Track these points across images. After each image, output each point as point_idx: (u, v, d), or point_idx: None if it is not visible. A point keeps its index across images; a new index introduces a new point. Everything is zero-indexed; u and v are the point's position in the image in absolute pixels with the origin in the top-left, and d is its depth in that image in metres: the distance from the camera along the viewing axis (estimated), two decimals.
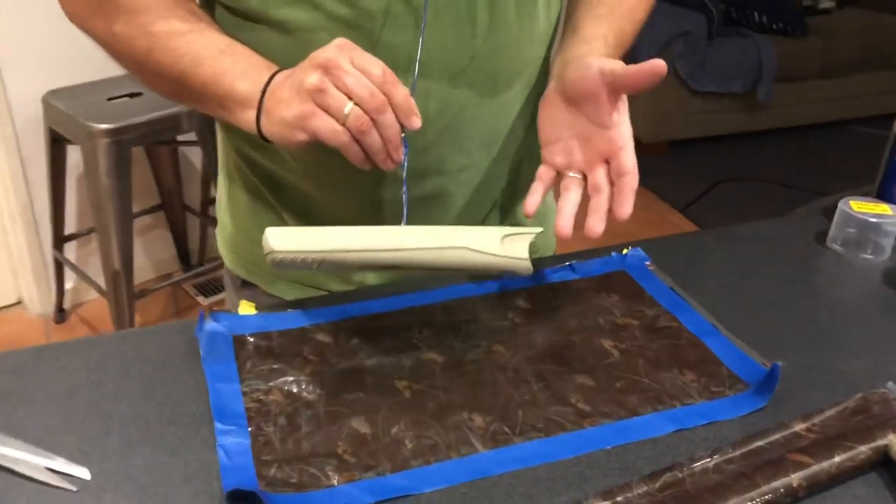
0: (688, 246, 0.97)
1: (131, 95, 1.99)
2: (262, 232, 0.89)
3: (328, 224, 0.72)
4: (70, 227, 2.23)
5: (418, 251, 0.69)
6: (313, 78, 0.64)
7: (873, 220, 0.92)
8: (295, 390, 0.70)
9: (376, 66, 0.64)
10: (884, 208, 0.94)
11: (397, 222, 0.77)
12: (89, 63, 2.03)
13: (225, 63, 0.71)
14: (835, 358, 0.77)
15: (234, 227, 0.94)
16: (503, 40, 0.78)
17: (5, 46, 1.94)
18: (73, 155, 2.08)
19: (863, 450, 0.64)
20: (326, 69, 0.64)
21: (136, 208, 2.27)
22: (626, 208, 0.73)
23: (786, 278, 0.90)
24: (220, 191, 0.96)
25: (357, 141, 0.65)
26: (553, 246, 1.03)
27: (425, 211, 0.84)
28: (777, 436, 0.67)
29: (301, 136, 0.66)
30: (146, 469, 0.62)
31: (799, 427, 0.68)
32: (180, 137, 2.14)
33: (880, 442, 0.65)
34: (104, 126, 1.83)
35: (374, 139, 0.65)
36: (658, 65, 0.69)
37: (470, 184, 0.85)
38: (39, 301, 2.27)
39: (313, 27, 0.73)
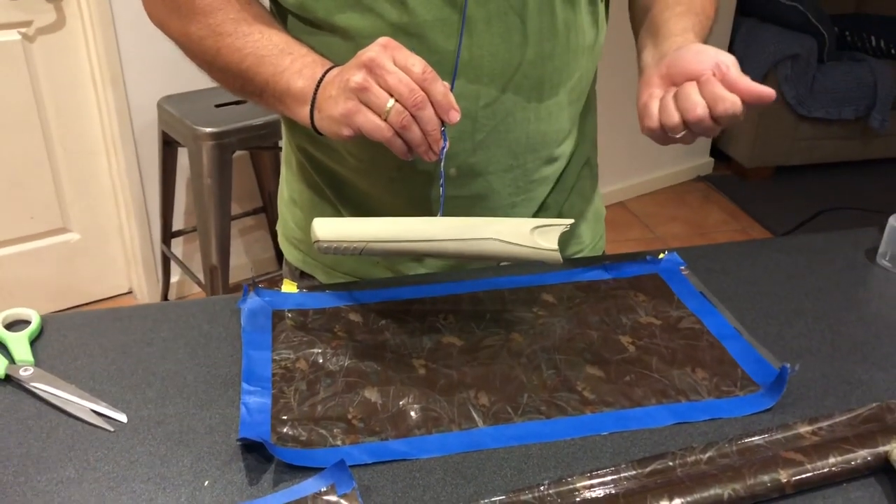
0: (730, 254, 0.97)
1: (237, 103, 2.13)
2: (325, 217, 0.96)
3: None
4: (178, 224, 2.39)
5: (451, 242, 0.73)
6: (357, 77, 0.69)
7: None
8: (319, 360, 0.75)
9: (417, 64, 0.69)
10: None
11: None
12: (202, 71, 2.19)
13: (284, 61, 0.78)
14: (857, 368, 0.76)
15: (293, 222, 1.01)
16: (550, 49, 0.83)
17: (128, 55, 2.12)
18: (184, 157, 2.24)
19: (861, 454, 0.64)
20: (370, 68, 0.69)
21: (238, 210, 2.42)
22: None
23: (824, 289, 0.89)
24: (283, 187, 1.03)
25: (399, 135, 0.70)
26: (602, 245, 1.05)
27: (472, 210, 0.89)
28: (778, 436, 0.67)
29: (347, 132, 0.71)
30: (176, 418, 0.68)
31: (803, 429, 0.68)
32: (281, 143, 2.27)
33: (882, 448, 0.64)
34: (209, 129, 1.97)
35: (414, 133, 0.69)
36: (768, 93, 0.71)
37: (516, 184, 0.89)
38: (148, 292, 2.45)
39: (372, 33, 0.79)
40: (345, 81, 0.70)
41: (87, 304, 2.45)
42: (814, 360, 0.77)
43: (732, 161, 3.46)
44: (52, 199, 2.28)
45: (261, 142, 2.11)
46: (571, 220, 0.78)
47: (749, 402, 0.71)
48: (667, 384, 0.73)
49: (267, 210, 2.55)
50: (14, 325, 0.79)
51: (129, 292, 2.52)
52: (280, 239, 1.05)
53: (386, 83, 0.68)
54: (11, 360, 0.73)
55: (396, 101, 0.68)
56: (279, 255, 2.64)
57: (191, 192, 2.37)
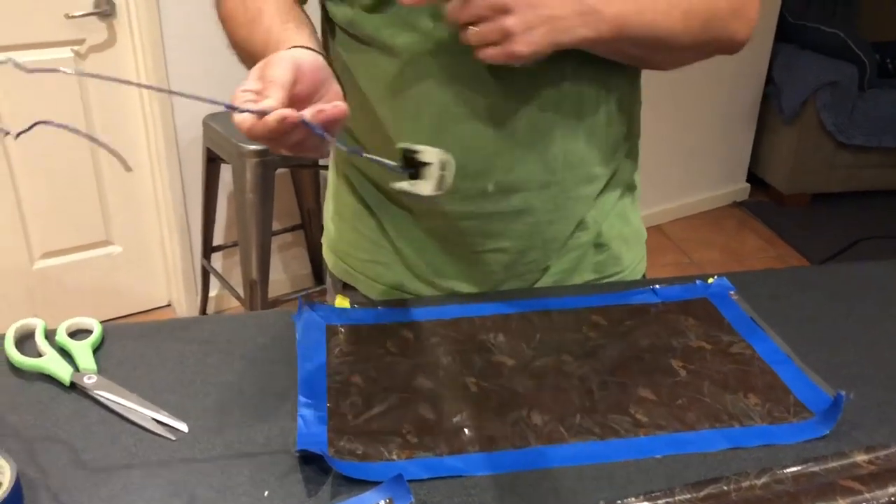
0: (781, 279, 0.97)
1: None
2: (363, 239, 0.98)
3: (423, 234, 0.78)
4: (218, 239, 2.43)
5: None
6: None
7: None
8: (373, 375, 0.76)
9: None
10: None
11: (482, 235, 0.87)
12: None
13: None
14: None
15: (337, 234, 1.02)
16: (589, 67, 0.84)
17: (175, 73, 2.17)
18: (226, 173, 2.28)
19: None
20: None
21: (277, 226, 2.45)
22: None
23: (874, 318, 0.89)
24: (328, 200, 1.05)
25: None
26: (642, 268, 1.05)
27: (510, 225, 0.90)
28: (835, 464, 0.67)
29: None
30: (235, 429, 0.70)
31: (860, 458, 0.67)
32: (322, 162, 2.31)
33: None
34: (253, 147, 2.01)
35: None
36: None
37: (554, 201, 0.90)
38: (187, 305, 2.49)
39: (417, 50, 0.81)
40: None
41: (126, 315, 2.49)
42: (867, 388, 0.77)
43: (769, 187, 3.44)
44: (97, 212, 2.33)
45: (303, 160, 2.14)
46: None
47: (803, 429, 0.71)
48: (719, 409, 0.73)
49: (305, 227, 2.59)
50: (76, 333, 0.81)
51: (168, 305, 2.56)
52: (325, 251, 1.07)
53: None
54: (76, 368, 0.75)
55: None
56: (316, 272, 2.68)
57: (232, 208, 2.41)
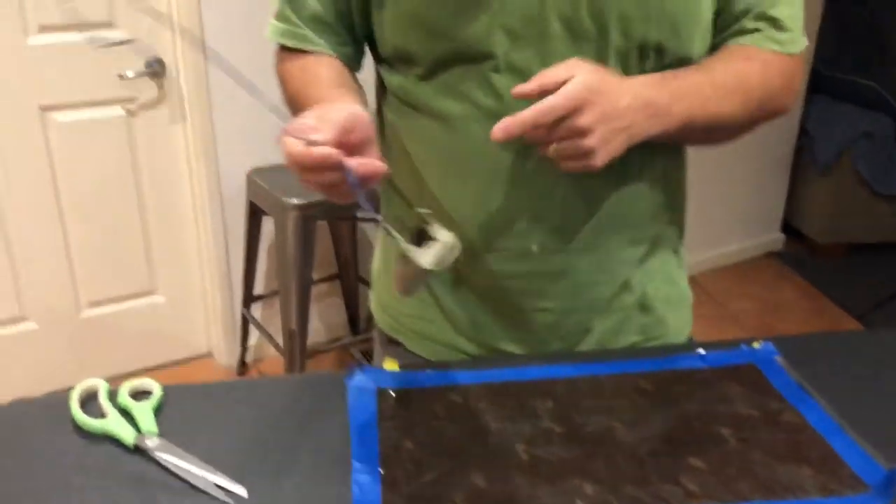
0: (828, 343, 0.97)
1: None
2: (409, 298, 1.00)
3: (468, 292, 0.81)
4: (258, 288, 2.47)
5: None
6: None
7: None
8: (425, 440, 0.78)
9: None
10: None
11: (526, 295, 0.90)
12: None
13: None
14: None
15: (386, 291, 1.05)
16: None
17: (221, 129, 2.24)
18: (267, 225, 2.33)
19: None
20: None
21: (315, 276, 2.49)
22: None
23: None
24: (376, 257, 1.08)
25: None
26: (687, 330, 1.06)
27: (554, 286, 0.91)
28: None
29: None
30: (292, 494, 0.72)
31: None
32: (360, 214, 2.35)
33: None
34: (295, 201, 2.06)
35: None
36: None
37: (598, 263, 0.91)
38: (226, 354, 2.52)
39: (466, 118, 0.84)
40: None
41: (167, 364, 2.53)
42: None
43: (805, 237, 3.42)
44: (142, 262, 2.39)
45: (341, 213, 2.18)
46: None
47: (859, 503, 0.71)
48: (772, 479, 0.74)
49: (342, 276, 2.62)
50: (137, 395, 0.84)
51: (209, 353, 2.60)
52: (372, 305, 1.09)
53: None
54: (138, 430, 0.78)
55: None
56: (352, 321, 2.70)
57: (272, 258, 2.45)
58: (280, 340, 2.29)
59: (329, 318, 2.68)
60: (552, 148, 0.75)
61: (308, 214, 2.08)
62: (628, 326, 0.98)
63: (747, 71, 0.85)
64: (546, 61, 0.80)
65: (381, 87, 0.95)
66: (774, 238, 3.43)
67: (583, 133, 0.74)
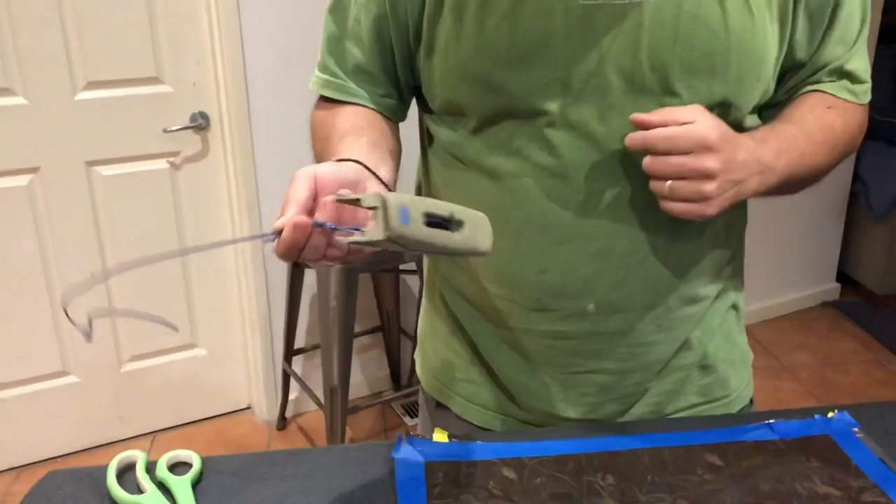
0: None
1: None
2: (458, 358, 0.96)
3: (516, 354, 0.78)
4: (299, 342, 2.45)
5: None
6: None
7: None
8: None
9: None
10: None
11: (581, 356, 0.86)
12: None
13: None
14: None
15: (433, 353, 1.01)
16: None
17: (264, 182, 2.24)
18: (309, 278, 2.31)
19: None
20: None
21: (357, 329, 2.46)
22: None
23: None
24: (423, 318, 1.04)
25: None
26: (749, 392, 1.00)
27: (611, 347, 0.87)
28: None
29: None
30: None
31: None
32: (402, 266, 2.32)
33: None
34: None
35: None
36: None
37: (657, 322, 0.87)
38: (266, 408, 2.49)
39: (519, 174, 0.81)
40: None
41: (208, 418, 2.50)
42: None
43: (860, 286, 3.30)
44: (184, 316, 2.38)
45: (383, 265, 2.16)
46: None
47: None
48: None
49: (384, 329, 2.59)
50: (175, 466, 0.80)
51: (248, 408, 2.57)
52: (418, 368, 1.05)
53: None
54: None
55: None
56: (394, 375, 2.66)
57: (313, 312, 2.43)
58: (321, 395, 2.25)
59: (371, 371, 2.64)
60: (668, 185, 0.73)
61: (350, 267, 2.06)
62: (688, 387, 0.93)
63: (832, 121, 0.84)
64: (605, 116, 0.77)
65: (429, 138, 0.92)
66: (830, 288, 3.32)
67: (707, 176, 0.72)
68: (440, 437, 0.84)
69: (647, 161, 0.73)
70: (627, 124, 0.74)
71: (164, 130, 2.16)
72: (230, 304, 2.44)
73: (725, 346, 0.95)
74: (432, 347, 1.01)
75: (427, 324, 1.03)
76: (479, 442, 0.84)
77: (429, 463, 0.81)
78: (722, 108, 0.79)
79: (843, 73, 0.86)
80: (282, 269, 2.33)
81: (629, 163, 0.78)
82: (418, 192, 0.98)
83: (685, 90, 0.77)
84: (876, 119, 3.15)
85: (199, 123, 2.19)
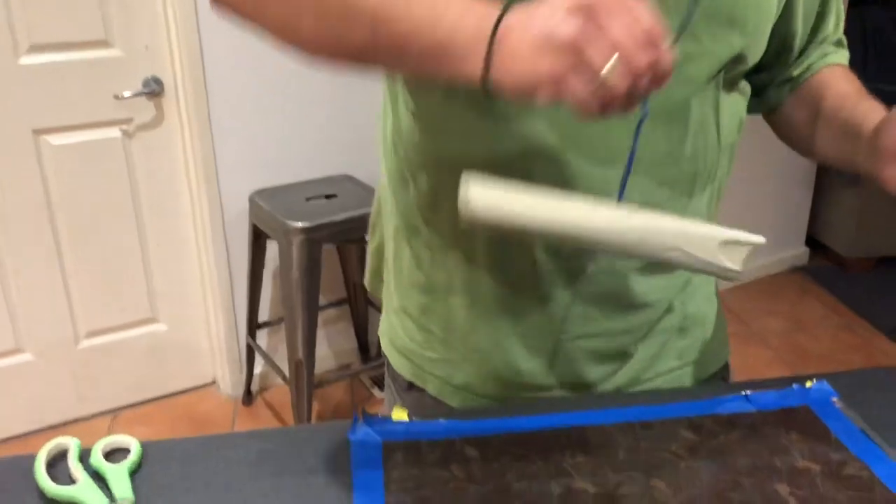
0: (885, 382, 0.87)
1: (328, 197, 2.14)
2: (433, 338, 0.90)
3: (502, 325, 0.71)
4: (263, 315, 2.38)
5: (629, 243, 0.62)
6: (572, 26, 0.53)
7: None
8: None
9: (646, 12, 0.54)
10: None
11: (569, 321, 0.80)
12: (292, 166, 2.21)
13: (440, 2, 0.60)
14: None
15: (405, 332, 0.95)
16: (703, 144, 0.79)
17: (221, 150, 2.16)
18: (272, 249, 2.24)
19: None
20: (588, 15, 0.53)
21: (323, 301, 2.39)
22: None
23: None
24: (391, 294, 0.98)
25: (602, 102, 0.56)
26: (726, 354, 0.97)
27: (604, 310, 0.83)
28: None
29: (545, 97, 0.55)
30: None
31: None
32: (368, 237, 2.26)
33: None
34: (299, 224, 1.97)
35: (619, 103, 0.56)
36: None
37: (650, 283, 0.83)
38: (231, 383, 2.43)
39: (532, 116, 0.74)
40: (549, 33, 0.54)
41: (170, 395, 2.44)
42: None
43: (829, 251, 3.30)
44: (143, 290, 2.30)
45: (349, 235, 2.09)
46: (762, 239, 0.66)
47: None
48: None
49: (351, 301, 2.53)
50: (113, 453, 0.74)
51: (213, 383, 2.51)
52: (386, 346, 0.99)
53: (609, 33, 0.53)
54: (111, 497, 0.68)
55: (619, 59, 0.53)
56: (361, 347, 2.61)
57: (277, 284, 2.36)
58: (286, 369, 2.20)
59: (338, 344, 2.59)
60: None
61: (313, 237, 1.99)
62: (668, 350, 0.90)
63: (860, 87, 0.87)
64: None
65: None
66: (799, 253, 3.32)
67: None
68: (399, 415, 0.79)
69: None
70: None
71: (116, 97, 2.06)
72: (191, 277, 2.36)
73: (704, 309, 0.92)
74: (403, 327, 0.95)
75: (397, 300, 0.96)
76: (441, 420, 0.79)
77: (387, 443, 0.75)
78: (736, 62, 0.76)
79: (838, 42, 0.90)
80: (243, 240, 2.25)
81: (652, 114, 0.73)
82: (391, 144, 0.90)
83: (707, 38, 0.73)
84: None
85: (153, 89, 2.10)
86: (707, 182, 0.82)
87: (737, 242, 0.63)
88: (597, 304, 0.83)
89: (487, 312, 0.86)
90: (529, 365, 0.86)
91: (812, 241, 3.34)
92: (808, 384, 0.84)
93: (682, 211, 0.81)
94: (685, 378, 0.92)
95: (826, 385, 0.84)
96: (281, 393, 2.45)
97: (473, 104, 0.74)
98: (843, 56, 0.91)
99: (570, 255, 0.79)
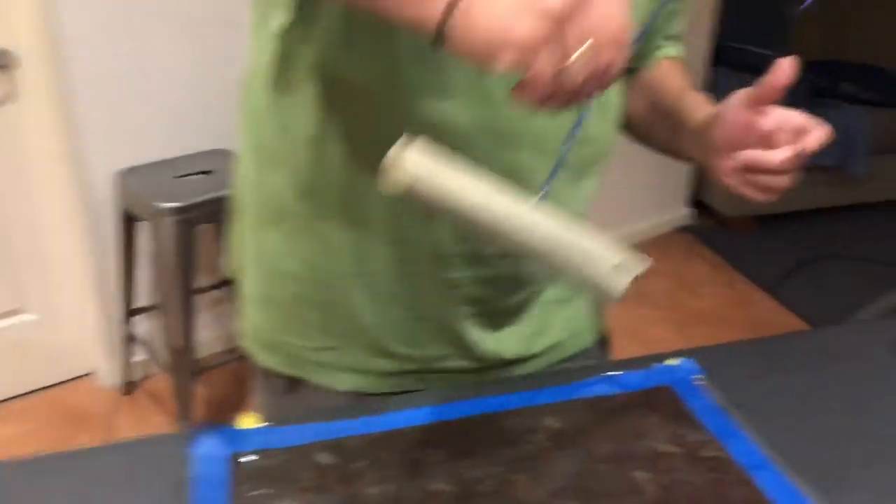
0: (746, 356, 0.88)
1: (202, 173, 2.03)
2: (314, 321, 0.82)
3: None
4: (142, 301, 2.26)
5: (541, 250, 0.60)
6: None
7: None
8: None
9: (622, 13, 0.52)
10: None
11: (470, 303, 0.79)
12: (161, 142, 2.09)
13: None
14: None
15: (269, 325, 0.88)
16: (603, 125, 0.79)
17: (85, 127, 2.01)
18: (144, 231, 2.12)
19: None
20: None
21: (203, 283, 2.29)
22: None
23: (854, 400, 0.79)
24: (250, 282, 0.91)
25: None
26: (603, 323, 0.96)
27: (494, 286, 0.81)
28: None
29: (506, 61, 0.50)
30: None
31: None
32: None
33: None
34: (170, 205, 1.86)
35: (572, 94, 0.52)
36: (786, 61, 0.68)
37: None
38: (109, 373, 2.30)
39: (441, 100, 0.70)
40: None
41: (44, 388, 2.29)
42: (861, 496, 0.67)
43: (713, 211, 3.41)
44: (8, 279, 2.14)
45: (226, 214, 2.00)
46: (648, 262, 0.64)
47: None
48: None
49: (232, 282, 2.43)
50: None
51: (90, 374, 2.37)
52: (252, 345, 0.91)
53: (591, 19, 0.50)
54: None
55: (590, 47, 0.50)
56: None
57: (154, 268, 2.25)
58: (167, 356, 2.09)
59: (225, 326, 2.48)
60: None
61: (186, 218, 1.89)
62: (553, 321, 0.90)
63: (691, 81, 0.89)
64: None
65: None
66: (683, 213, 3.41)
67: None
68: (248, 422, 0.74)
69: None
70: None
71: None
72: (59, 264, 2.21)
73: None
74: (269, 321, 0.88)
75: (256, 288, 0.89)
76: (293, 425, 0.74)
77: (235, 455, 0.70)
78: None
79: (673, 37, 0.91)
80: (113, 223, 2.12)
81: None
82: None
83: None
84: (726, 45, 3.21)
85: (2, 63, 1.93)
86: (603, 162, 0.83)
87: (626, 267, 0.62)
88: (491, 283, 0.81)
89: (378, 293, 0.81)
90: (420, 339, 0.83)
91: (697, 202, 3.44)
92: (672, 362, 0.84)
93: (580, 192, 0.81)
94: (570, 347, 0.92)
95: (689, 362, 0.83)
96: (164, 381, 2.34)
97: (382, 75, 0.69)
98: (676, 49, 0.93)
99: (472, 238, 0.75)
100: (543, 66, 0.50)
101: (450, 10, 0.50)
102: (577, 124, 0.71)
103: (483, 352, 0.85)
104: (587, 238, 0.61)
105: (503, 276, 0.81)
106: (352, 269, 0.81)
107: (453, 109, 0.70)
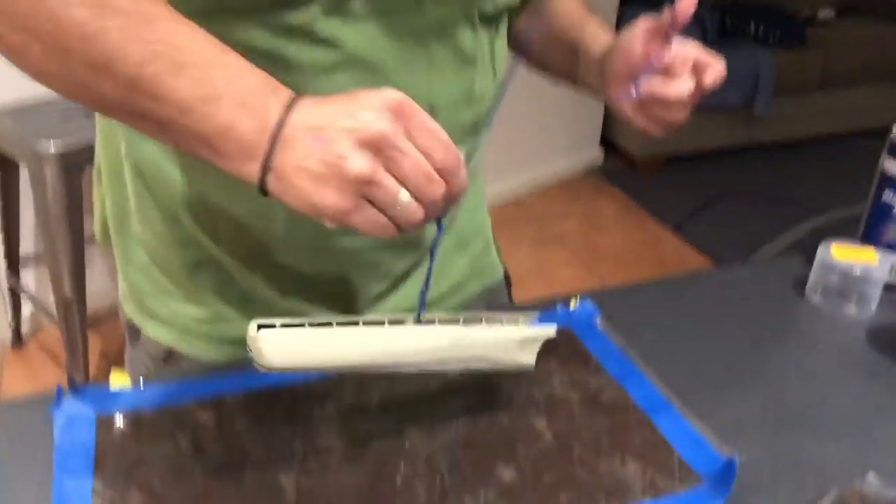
0: (647, 296, 0.86)
1: (88, 114, 1.89)
2: (209, 290, 0.75)
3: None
4: (26, 251, 2.12)
5: (433, 364, 0.60)
6: (361, 163, 0.49)
7: (857, 270, 0.81)
8: (156, 488, 0.58)
9: (439, 144, 0.51)
10: (870, 255, 0.82)
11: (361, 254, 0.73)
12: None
13: (215, 78, 0.51)
14: (807, 442, 0.66)
15: (156, 287, 0.79)
16: (492, 82, 0.74)
17: None
18: (25, 176, 1.97)
19: None
20: (378, 149, 0.49)
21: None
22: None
23: (756, 339, 0.79)
24: (135, 246, 0.81)
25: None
26: (500, 270, 0.92)
27: (391, 250, 0.76)
28: None
29: (331, 225, 0.52)
30: None
31: None
32: None
33: None
34: (52, 149, 1.73)
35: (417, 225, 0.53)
36: None
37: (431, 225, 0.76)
38: None
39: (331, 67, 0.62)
40: (338, 164, 0.49)
41: None
42: (757, 434, 0.66)
43: (622, 151, 3.43)
44: None
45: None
46: (554, 328, 0.66)
47: (691, 500, 0.59)
48: (594, 484, 0.60)
49: None
50: None
51: None
52: (135, 312, 0.80)
53: (400, 170, 0.50)
54: None
55: (411, 193, 0.51)
56: None
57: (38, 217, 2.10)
58: (57, 311, 1.98)
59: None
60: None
61: (71, 163, 1.76)
62: (448, 268, 0.84)
63: (586, 9, 0.85)
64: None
65: None
66: (594, 154, 3.42)
67: None
68: (119, 380, 0.68)
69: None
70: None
71: None
72: None
73: (478, 219, 0.88)
74: (153, 284, 0.78)
75: (140, 256, 0.79)
76: (171, 383, 0.68)
77: (101, 417, 0.64)
78: None
79: None
80: None
81: (439, 56, 0.67)
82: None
83: None
84: None
85: None
86: (483, 129, 0.76)
87: (532, 339, 0.64)
88: (387, 245, 0.75)
89: (274, 266, 0.74)
90: (313, 304, 0.77)
91: (606, 142, 3.45)
92: (573, 305, 0.81)
93: (474, 150, 0.75)
94: (469, 289, 0.88)
95: (589, 304, 0.81)
96: (53, 336, 2.22)
97: (268, 60, 0.59)
98: None
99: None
100: (364, 223, 0.51)
101: (264, 172, 0.51)
102: (432, 256, 0.63)
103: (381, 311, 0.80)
104: (480, 331, 0.61)
105: (395, 239, 0.75)
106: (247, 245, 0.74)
107: (348, 85, 0.64)
